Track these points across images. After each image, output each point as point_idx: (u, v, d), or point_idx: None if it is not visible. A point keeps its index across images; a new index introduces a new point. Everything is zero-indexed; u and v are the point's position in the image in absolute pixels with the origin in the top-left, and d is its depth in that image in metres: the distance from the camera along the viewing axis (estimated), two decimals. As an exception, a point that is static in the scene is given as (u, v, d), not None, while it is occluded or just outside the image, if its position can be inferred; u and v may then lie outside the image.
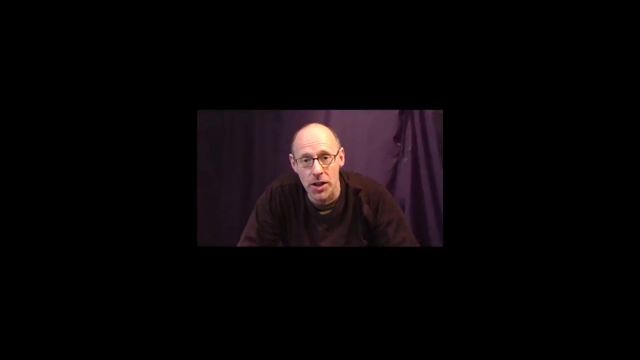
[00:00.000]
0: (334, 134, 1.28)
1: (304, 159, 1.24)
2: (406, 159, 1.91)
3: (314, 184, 1.25)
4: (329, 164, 1.24)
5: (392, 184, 1.93)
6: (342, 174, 1.33)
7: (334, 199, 1.31)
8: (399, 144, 1.94)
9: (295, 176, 1.35)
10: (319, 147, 1.22)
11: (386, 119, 1.90)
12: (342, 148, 1.30)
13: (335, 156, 1.26)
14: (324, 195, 1.26)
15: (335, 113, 1.93)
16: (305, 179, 1.26)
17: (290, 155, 1.31)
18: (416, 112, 1.88)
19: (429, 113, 1.86)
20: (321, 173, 1.23)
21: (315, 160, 1.22)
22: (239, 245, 1.35)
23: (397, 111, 1.87)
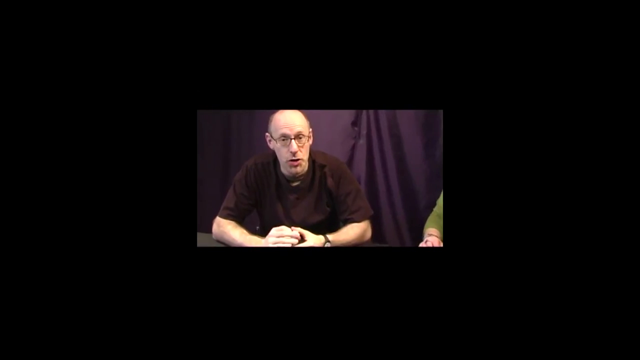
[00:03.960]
0: (305, 117, 1.46)
1: (282, 138, 1.42)
2: (362, 141, 2.21)
3: (291, 160, 1.44)
4: (303, 144, 1.44)
5: (350, 161, 2.21)
6: (310, 151, 1.52)
7: (304, 173, 1.51)
8: (356, 128, 2.22)
9: (268, 155, 1.55)
10: (295, 129, 1.41)
11: (346, 107, 2.17)
12: (311, 129, 1.49)
13: (307, 137, 1.46)
14: (299, 169, 1.47)
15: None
16: (283, 155, 1.45)
17: (267, 134, 1.49)
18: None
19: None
20: (297, 151, 1.42)
21: (292, 140, 1.41)
22: (218, 215, 1.53)
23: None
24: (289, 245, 1.31)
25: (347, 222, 1.53)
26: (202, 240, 1.35)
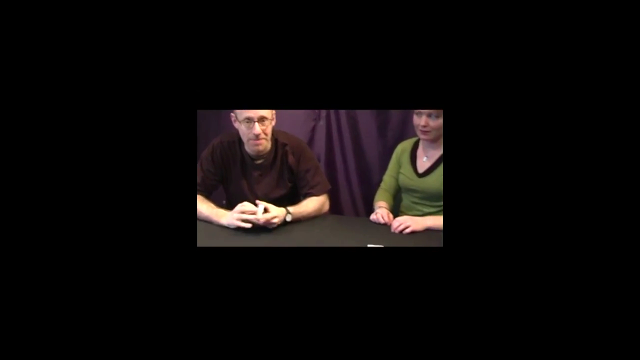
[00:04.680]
0: None
1: (246, 120, 1.54)
2: (322, 123, 2.40)
3: (254, 140, 1.57)
4: (266, 126, 1.57)
5: (311, 141, 2.39)
6: (274, 131, 1.65)
7: (266, 151, 1.64)
8: (316, 111, 2.39)
9: (233, 134, 1.67)
10: (259, 113, 1.52)
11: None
12: (274, 111, 1.60)
13: (270, 119, 1.58)
14: (260, 147, 1.60)
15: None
16: (247, 135, 1.58)
17: (232, 114, 1.60)
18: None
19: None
20: (260, 133, 1.54)
21: (256, 123, 1.53)
22: None
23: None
24: (253, 219, 1.42)
25: (307, 196, 1.69)
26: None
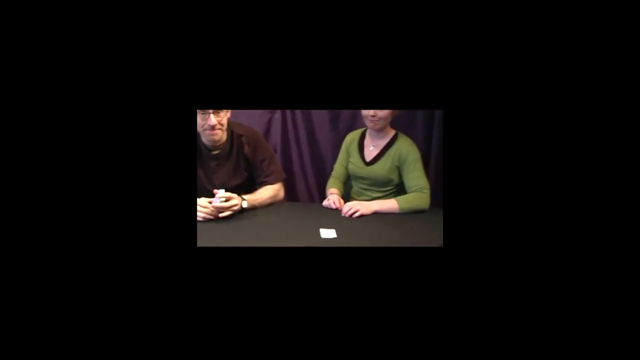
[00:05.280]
0: None
1: (201, 112, 1.57)
2: (277, 115, 2.48)
3: (209, 130, 1.60)
4: (221, 117, 1.61)
5: (267, 132, 2.48)
6: (229, 123, 1.69)
7: (222, 142, 1.68)
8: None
9: None
10: None
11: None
12: None
13: (225, 111, 1.62)
14: (216, 137, 1.64)
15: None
16: (202, 126, 1.60)
17: None
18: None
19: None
20: (216, 124, 1.59)
21: (211, 114, 1.57)
22: None
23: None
24: (207, 211, 1.48)
25: (262, 184, 1.75)
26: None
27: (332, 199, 1.72)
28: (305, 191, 2.53)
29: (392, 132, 1.80)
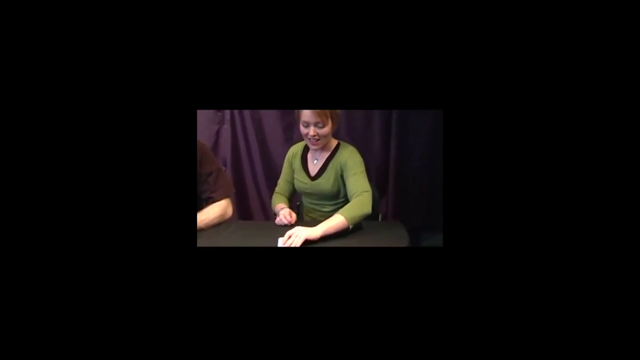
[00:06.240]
0: None
1: None
2: (226, 126, 2.31)
3: None
4: None
5: (215, 145, 2.31)
6: None
7: None
8: (219, 114, 2.31)
9: None
10: None
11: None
12: None
13: None
14: None
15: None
16: None
17: None
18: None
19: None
20: None
21: None
22: None
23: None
24: None
25: (208, 201, 1.62)
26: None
27: (283, 213, 1.60)
28: (259, 208, 2.37)
29: (334, 143, 1.72)
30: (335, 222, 1.42)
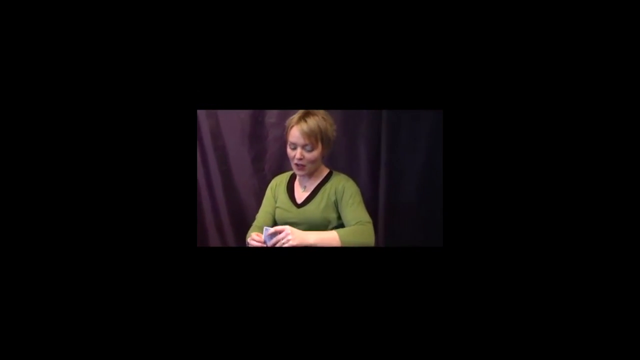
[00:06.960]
0: None
1: None
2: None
3: None
4: None
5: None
6: None
7: None
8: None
9: None
10: None
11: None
12: None
13: None
14: None
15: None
16: None
17: None
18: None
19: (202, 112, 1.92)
20: None
21: None
22: None
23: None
24: None
25: None
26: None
27: (251, 237, 1.38)
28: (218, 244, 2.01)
29: (325, 171, 1.53)
30: (328, 237, 1.32)
